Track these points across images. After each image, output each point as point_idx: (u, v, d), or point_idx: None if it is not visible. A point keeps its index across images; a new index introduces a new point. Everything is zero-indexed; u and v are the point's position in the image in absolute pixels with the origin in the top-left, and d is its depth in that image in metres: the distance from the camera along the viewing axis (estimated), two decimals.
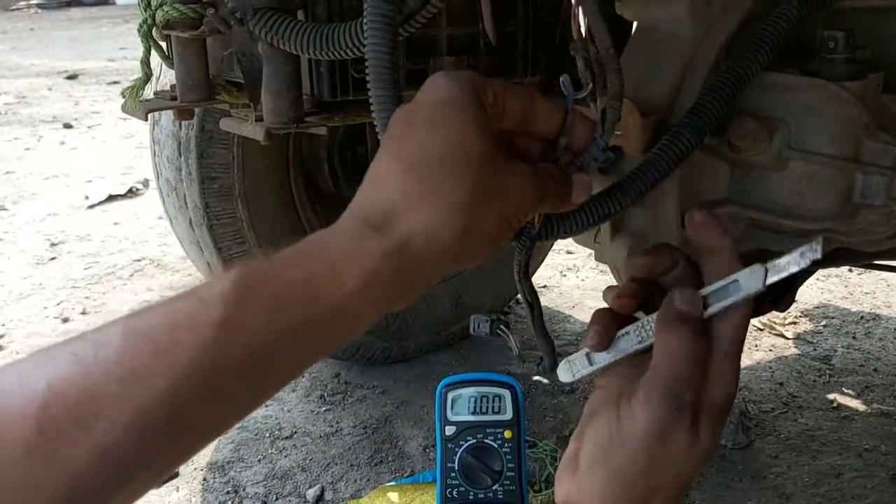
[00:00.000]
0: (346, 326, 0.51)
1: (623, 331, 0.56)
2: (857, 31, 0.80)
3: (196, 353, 0.44)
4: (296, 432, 1.84)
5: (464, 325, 2.16)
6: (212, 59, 1.17)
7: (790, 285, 1.16)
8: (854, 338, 2.21)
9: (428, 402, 1.92)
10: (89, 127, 5.15)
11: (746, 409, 1.84)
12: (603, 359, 0.57)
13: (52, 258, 2.95)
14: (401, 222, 0.51)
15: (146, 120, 1.40)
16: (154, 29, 1.11)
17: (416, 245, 0.51)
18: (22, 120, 5.41)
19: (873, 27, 0.86)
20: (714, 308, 0.53)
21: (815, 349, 2.15)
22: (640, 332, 0.55)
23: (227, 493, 1.64)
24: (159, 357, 0.44)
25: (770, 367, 2.06)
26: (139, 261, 2.90)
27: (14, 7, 15.28)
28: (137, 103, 1.19)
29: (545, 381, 2.02)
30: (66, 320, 2.44)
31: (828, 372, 2.04)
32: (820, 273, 2.55)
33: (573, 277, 2.68)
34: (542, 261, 2.35)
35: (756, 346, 2.17)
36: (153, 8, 1.08)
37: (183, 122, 1.61)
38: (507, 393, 0.85)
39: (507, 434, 0.84)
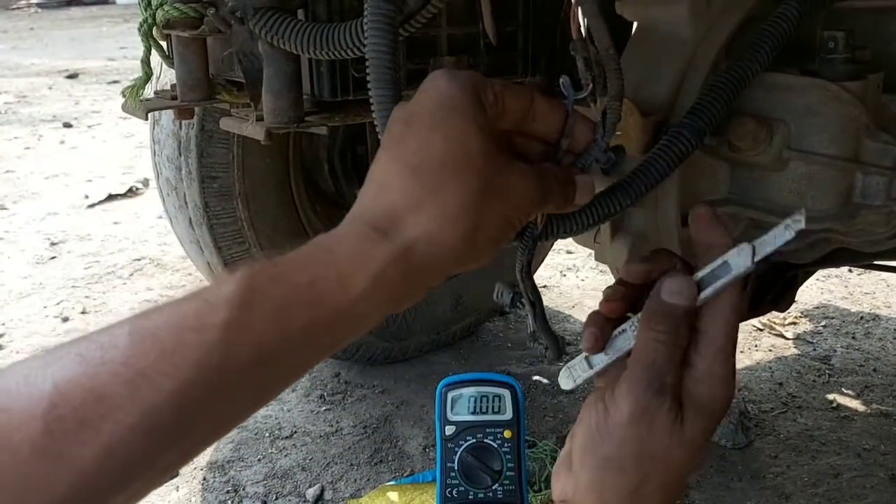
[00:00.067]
0: (351, 328, 0.51)
1: (619, 329, 0.57)
2: (857, 32, 0.80)
3: (202, 355, 0.45)
4: (296, 432, 1.84)
5: (464, 325, 2.16)
6: (212, 58, 1.17)
7: (790, 285, 1.16)
8: (854, 338, 2.21)
9: (428, 402, 1.92)
10: (89, 126, 5.15)
11: (746, 409, 1.84)
12: (601, 360, 0.57)
13: (52, 257, 2.95)
14: (404, 225, 0.51)
15: (146, 119, 1.40)
16: (154, 28, 1.11)
17: (421, 248, 0.51)
18: (22, 119, 5.41)
19: (873, 27, 0.86)
20: (707, 292, 0.53)
21: (814, 349, 2.15)
22: (636, 329, 0.55)
23: (227, 492, 1.64)
24: (166, 358, 0.44)
25: (770, 367, 2.06)
26: (139, 260, 2.90)
27: (14, 6, 15.28)
28: (138, 102, 1.19)
29: (545, 380, 2.02)
30: (66, 320, 2.44)
31: (827, 372, 2.04)
32: (820, 273, 2.55)
33: (573, 277, 2.68)
34: (543, 260, 2.35)
35: (756, 346, 2.18)
36: (153, 7, 1.08)
37: (183, 122, 1.61)
38: (506, 393, 0.85)
39: (507, 434, 0.84)
